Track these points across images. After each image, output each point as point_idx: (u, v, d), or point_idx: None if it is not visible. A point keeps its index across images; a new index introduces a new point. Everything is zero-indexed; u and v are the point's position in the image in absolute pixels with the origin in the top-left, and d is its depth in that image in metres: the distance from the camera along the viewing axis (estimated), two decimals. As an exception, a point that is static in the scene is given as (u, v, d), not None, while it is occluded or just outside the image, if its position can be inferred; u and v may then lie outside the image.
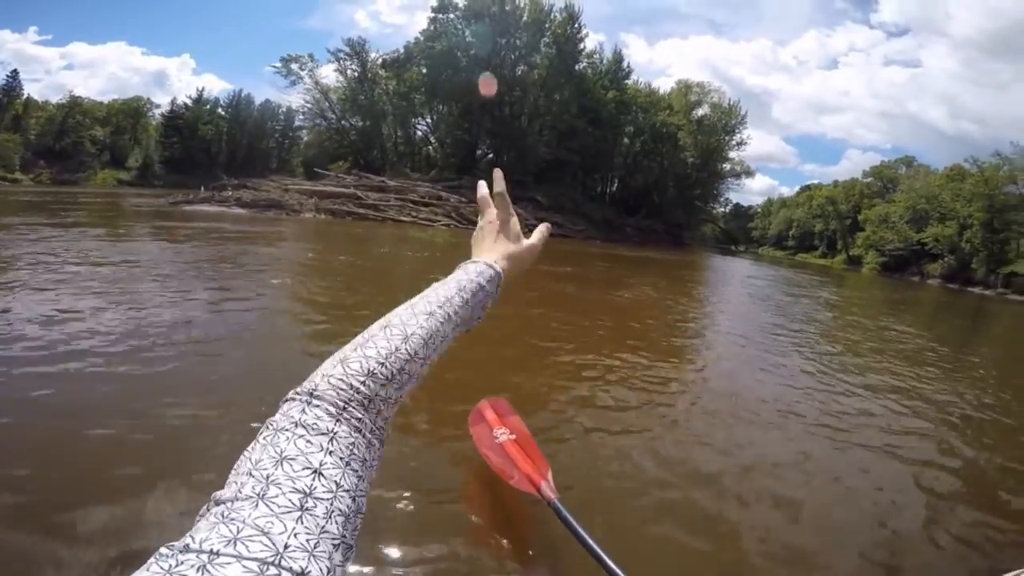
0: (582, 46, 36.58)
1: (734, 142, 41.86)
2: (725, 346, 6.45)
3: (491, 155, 36.35)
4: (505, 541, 2.01)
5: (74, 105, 45.56)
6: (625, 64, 40.29)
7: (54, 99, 46.35)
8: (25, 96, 44.32)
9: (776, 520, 2.48)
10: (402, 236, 15.71)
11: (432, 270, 9.10)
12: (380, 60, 37.21)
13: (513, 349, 4.81)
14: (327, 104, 37.73)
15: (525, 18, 33.59)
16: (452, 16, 33.66)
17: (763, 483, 2.81)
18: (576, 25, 35.61)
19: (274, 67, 37.58)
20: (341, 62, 36.88)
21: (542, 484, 1.95)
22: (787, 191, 71.12)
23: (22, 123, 41.79)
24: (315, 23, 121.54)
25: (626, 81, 40.30)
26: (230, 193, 18.15)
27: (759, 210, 70.69)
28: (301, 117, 40.65)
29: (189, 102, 49.12)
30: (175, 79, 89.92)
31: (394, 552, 1.85)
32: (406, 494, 2.17)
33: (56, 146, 42.76)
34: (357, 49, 36.84)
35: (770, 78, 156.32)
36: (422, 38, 33.97)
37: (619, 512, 2.33)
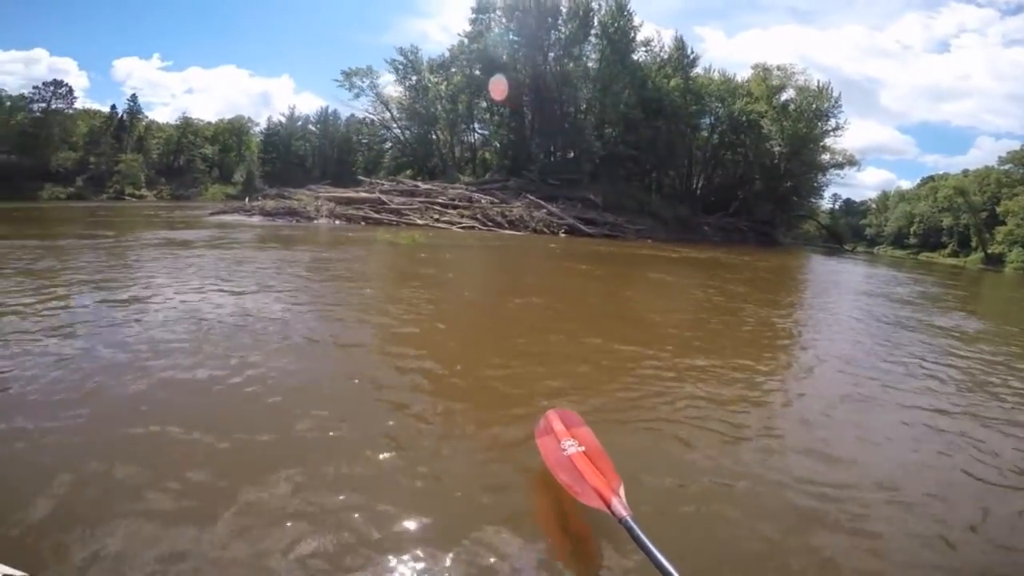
0: (633, 34, 33.86)
1: (829, 128, 36.38)
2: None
3: (542, 155, 34.81)
4: (574, 562, 1.93)
5: (187, 126, 50.52)
6: (690, 51, 36.92)
7: (174, 120, 51.85)
8: (146, 120, 49.92)
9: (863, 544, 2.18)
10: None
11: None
12: (428, 65, 37.31)
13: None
14: (389, 115, 38.53)
15: (565, 9, 31.84)
16: (494, 15, 32.65)
17: (872, 503, 2.48)
18: (626, 14, 33.04)
19: (336, 81, 39.00)
20: (398, 71, 37.43)
21: (613, 500, 1.86)
22: (907, 184, 61.67)
23: (144, 144, 46.90)
24: (391, 38, 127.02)
25: (694, 69, 36.95)
26: (259, 203, 18.47)
27: (873, 205, 62.07)
28: (366, 129, 41.92)
29: (284, 119, 53.04)
30: (277, 98, 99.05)
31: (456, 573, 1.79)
32: (464, 508, 2.13)
33: (174, 164, 47.84)
34: (410, 58, 37.15)
35: (872, 64, 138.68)
36: (465, 40, 33.25)
37: (697, 535, 2.14)
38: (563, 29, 32.58)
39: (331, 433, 2.64)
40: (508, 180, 27.72)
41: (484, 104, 35.82)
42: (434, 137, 38.11)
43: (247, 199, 20.70)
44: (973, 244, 43.06)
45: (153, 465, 2.23)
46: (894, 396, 4.12)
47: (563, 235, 20.26)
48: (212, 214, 18.73)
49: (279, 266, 8.21)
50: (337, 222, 17.31)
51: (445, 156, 37.32)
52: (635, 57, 34.43)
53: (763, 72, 37.52)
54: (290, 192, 20.64)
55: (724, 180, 40.17)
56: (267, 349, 3.79)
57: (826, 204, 54.71)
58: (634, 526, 1.73)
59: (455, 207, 19.16)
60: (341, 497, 2.09)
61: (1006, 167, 43.13)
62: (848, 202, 65.00)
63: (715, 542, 2.11)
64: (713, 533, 2.17)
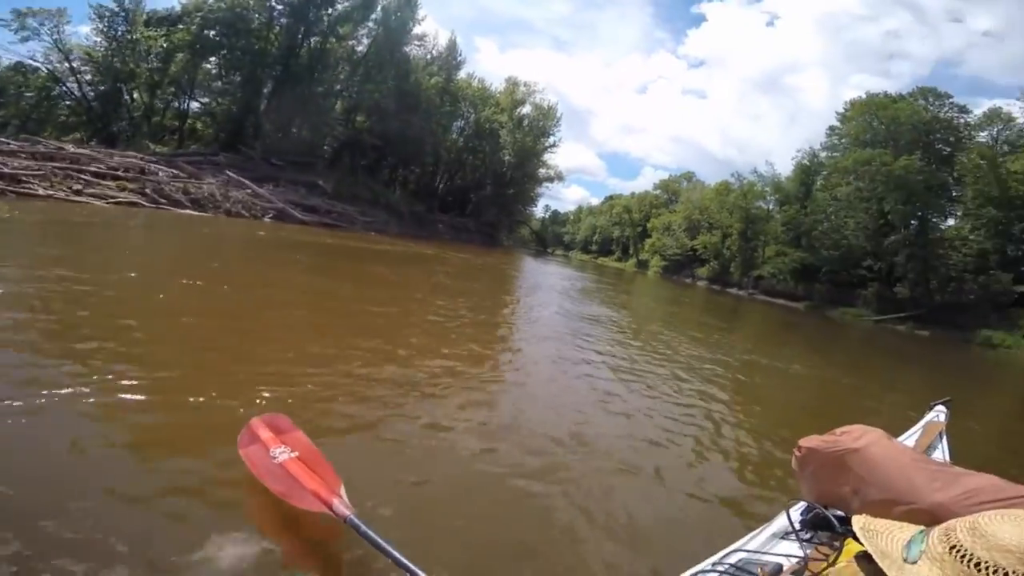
0: (412, 26, 33.81)
1: (548, 144, 42.72)
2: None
3: (278, 133, 31.49)
4: (304, 566, 1.88)
5: None
6: (460, 54, 38.64)
7: None
8: None
9: (573, 508, 2.53)
10: None
11: None
12: (147, 17, 30.11)
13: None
14: (68, 67, 29.36)
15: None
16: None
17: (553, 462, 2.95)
18: (412, 4, 32.88)
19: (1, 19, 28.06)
20: (104, 19, 29.33)
21: (334, 501, 1.82)
22: (596, 201, 78.16)
23: None
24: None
25: (458, 72, 38.82)
26: None
27: (571, 217, 76.04)
28: (28, 79, 30.86)
29: None
30: None
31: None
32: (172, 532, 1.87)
33: None
34: (128, 6, 29.49)
35: (594, 96, 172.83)
36: (208, -7, 28.07)
37: (421, 518, 2.22)
38: (339, 6, 30.56)
39: None
40: (218, 155, 23.90)
41: (212, 69, 31.07)
42: (127, 98, 31.05)
43: None
44: (631, 252, 56.37)
45: None
46: (589, 382, 4.87)
47: (268, 220, 18.32)
48: None
49: None
50: None
51: (138, 121, 30.23)
52: (406, 49, 34.13)
53: (512, 86, 41.64)
54: None
55: (464, 182, 43.04)
56: None
57: (540, 213, 64.96)
58: (359, 523, 1.72)
59: (116, 177, 15.27)
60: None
61: (656, 192, 57.60)
62: (555, 213, 78.48)
63: (440, 528, 2.19)
64: (439, 520, 2.24)
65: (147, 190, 15.28)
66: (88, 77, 30.88)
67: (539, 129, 41.83)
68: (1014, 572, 0.75)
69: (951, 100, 29.79)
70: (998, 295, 24.21)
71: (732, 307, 24.54)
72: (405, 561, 1.55)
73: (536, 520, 2.39)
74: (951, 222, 29.08)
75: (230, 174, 19.88)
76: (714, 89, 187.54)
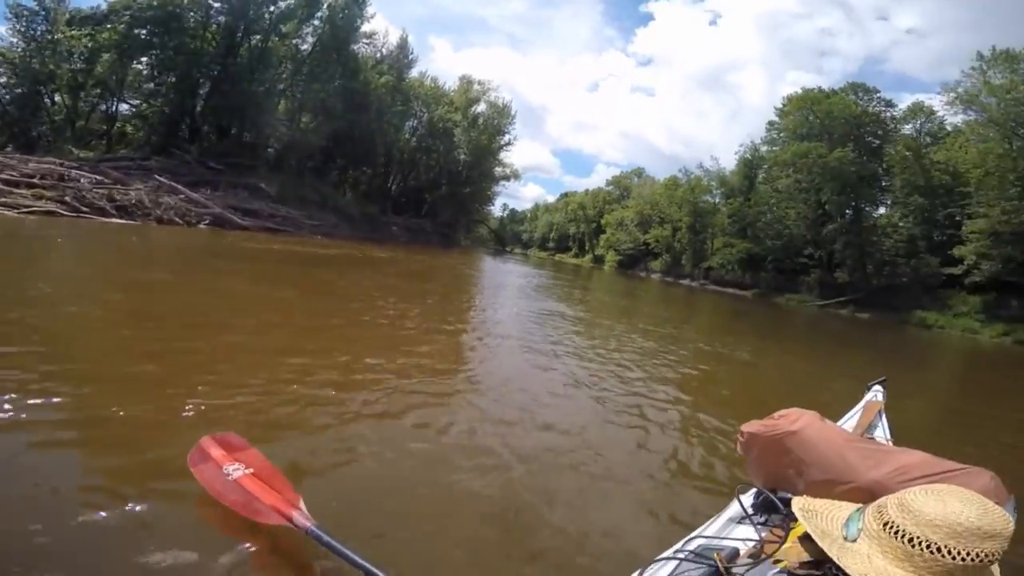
0: (359, 23, 32.74)
1: (503, 142, 42.58)
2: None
3: (213, 135, 30.12)
4: None
5: None
6: (411, 52, 37.80)
7: None
8: None
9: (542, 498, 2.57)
10: None
11: None
12: (70, 16, 28.01)
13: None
14: None
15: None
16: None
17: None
18: (360, 1, 31.84)
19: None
20: (21, 19, 27.04)
21: (294, 514, 1.78)
22: (552, 198, 78.99)
23: None
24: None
25: (410, 71, 38.12)
26: None
27: (529, 215, 76.36)
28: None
29: None
30: None
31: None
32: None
33: None
34: (49, 4, 27.35)
35: (549, 94, 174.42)
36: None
37: (384, 523, 2.19)
38: (283, 3, 29.21)
39: None
40: (149, 159, 22.45)
41: (144, 69, 29.23)
42: (48, 102, 28.94)
43: None
44: (587, 248, 57.14)
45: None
46: (545, 379, 4.84)
47: (204, 227, 17.32)
48: None
49: None
50: None
51: (60, 125, 28.20)
52: (354, 47, 33.11)
53: (467, 84, 41.16)
54: None
55: (418, 182, 42.33)
56: None
57: (498, 212, 64.92)
58: (322, 534, 1.69)
59: (32, 185, 14.02)
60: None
61: (610, 188, 58.51)
62: (513, 211, 78.67)
63: (399, 525, 2.17)
64: (395, 517, 2.23)
65: (67, 198, 14.07)
66: (3, 80, 28.57)
67: (494, 127, 41.65)
68: (945, 546, 0.78)
69: (879, 95, 31.52)
70: (927, 277, 25.81)
71: (684, 298, 25.15)
72: (372, 568, 1.54)
73: (497, 521, 2.36)
74: (882, 210, 30.82)
75: (160, 179, 18.67)
76: (661, 86, 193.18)
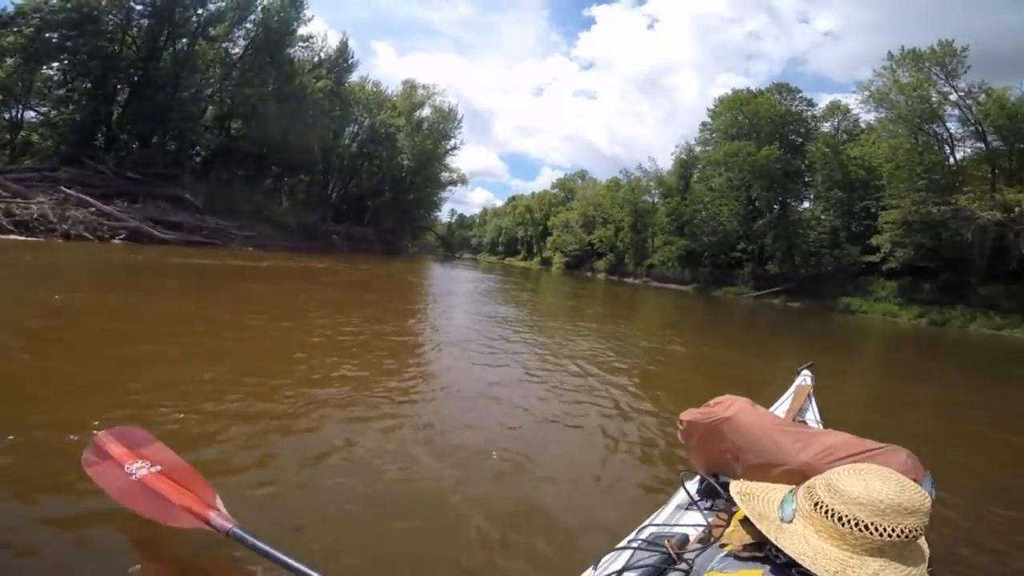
0: (295, 26, 31.38)
1: (449, 147, 42.15)
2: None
3: (134, 144, 28.14)
4: None
5: None
6: (351, 56, 36.64)
7: None
8: None
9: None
10: None
11: None
12: None
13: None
14: None
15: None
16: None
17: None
18: (297, 3, 30.50)
19: None
20: None
21: (211, 515, 1.62)
22: (500, 202, 79.32)
23: None
24: None
25: (349, 75, 36.92)
26: None
27: (477, 220, 76.13)
28: None
29: None
30: None
31: None
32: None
33: None
34: None
35: (495, 99, 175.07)
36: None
37: (307, 518, 2.09)
38: (212, 6, 27.68)
39: None
40: (57, 170, 20.56)
41: (55, 75, 26.96)
42: None
43: None
44: (535, 250, 57.62)
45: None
46: (491, 383, 4.75)
47: (119, 242, 16.02)
48: None
49: None
50: None
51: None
52: (290, 51, 31.80)
53: (410, 88, 40.31)
54: None
55: (360, 190, 41.15)
56: None
57: (445, 218, 64.35)
58: (245, 535, 1.56)
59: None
60: None
61: (555, 190, 59.30)
62: (462, 216, 78.29)
63: (319, 519, 2.11)
64: (315, 512, 2.15)
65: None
66: None
67: (439, 132, 41.12)
68: (872, 524, 0.81)
69: (800, 95, 33.51)
70: (849, 266, 27.64)
71: (628, 296, 25.72)
72: (300, 566, 1.45)
73: (444, 519, 2.30)
74: (807, 205, 32.77)
75: (67, 191, 17.09)
76: (602, 90, 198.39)
